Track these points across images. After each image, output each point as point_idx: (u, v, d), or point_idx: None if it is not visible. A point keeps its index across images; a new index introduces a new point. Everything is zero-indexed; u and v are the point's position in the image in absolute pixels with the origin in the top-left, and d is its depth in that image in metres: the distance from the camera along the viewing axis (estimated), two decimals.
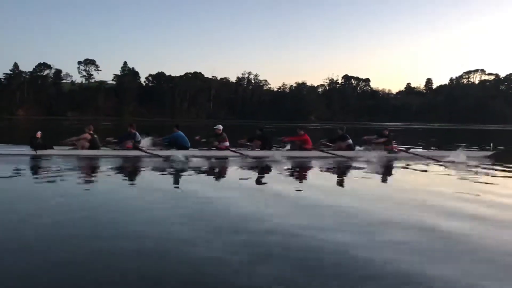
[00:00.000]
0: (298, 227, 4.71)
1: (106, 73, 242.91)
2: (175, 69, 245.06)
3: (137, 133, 12.09)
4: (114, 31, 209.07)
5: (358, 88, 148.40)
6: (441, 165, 11.21)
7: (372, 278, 3.34)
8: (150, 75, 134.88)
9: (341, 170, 10.59)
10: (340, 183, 8.79)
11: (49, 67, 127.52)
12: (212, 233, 4.45)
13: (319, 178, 9.46)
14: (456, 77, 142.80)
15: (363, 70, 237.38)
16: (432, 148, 18.09)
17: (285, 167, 10.36)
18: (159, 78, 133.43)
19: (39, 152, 11.07)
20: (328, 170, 10.68)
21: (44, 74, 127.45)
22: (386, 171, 10.54)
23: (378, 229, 4.72)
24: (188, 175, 9.01)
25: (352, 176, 9.61)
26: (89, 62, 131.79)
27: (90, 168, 9.72)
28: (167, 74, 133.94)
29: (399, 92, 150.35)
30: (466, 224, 4.99)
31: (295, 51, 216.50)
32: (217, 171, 10.09)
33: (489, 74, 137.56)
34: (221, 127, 12.60)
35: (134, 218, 5.12)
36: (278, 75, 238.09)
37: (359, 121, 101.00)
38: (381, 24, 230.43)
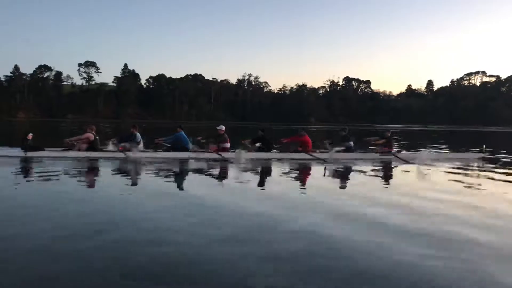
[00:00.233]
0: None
1: (107, 75, 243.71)
2: (176, 71, 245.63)
3: (138, 134, 12.03)
4: (115, 33, 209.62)
5: (359, 90, 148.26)
6: (432, 168, 11.07)
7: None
8: (150, 77, 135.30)
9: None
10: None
11: (49, 69, 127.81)
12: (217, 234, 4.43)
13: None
14: (457, 79, 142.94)
15: (364, 72, 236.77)
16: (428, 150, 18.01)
17: (285, 170, 10.23)
18: (160, 80, 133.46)
19: (29, 153, 10.94)
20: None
21: (44, 76, 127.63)
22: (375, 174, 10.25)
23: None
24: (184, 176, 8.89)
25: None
26: (90, 64, 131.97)
27: (78, 170, 9.49)
28: (168, 76, 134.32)
29: (400, 94, 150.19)
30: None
31: (296, 53, 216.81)
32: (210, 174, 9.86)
33: (490, 76, 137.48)
34: (223, 127, 12.54)
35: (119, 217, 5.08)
36: (278, 77, 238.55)
37: (360, 123, 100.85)
38: (382, 26, 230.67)
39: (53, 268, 3.38)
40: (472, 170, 10.84)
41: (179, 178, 9.13)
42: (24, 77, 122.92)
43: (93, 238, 4.16)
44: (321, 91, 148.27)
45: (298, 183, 8.85)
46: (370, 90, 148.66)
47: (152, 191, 7.00)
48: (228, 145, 12.30)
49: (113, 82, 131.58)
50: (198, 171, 10.16)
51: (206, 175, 9.50)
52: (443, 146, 22.12)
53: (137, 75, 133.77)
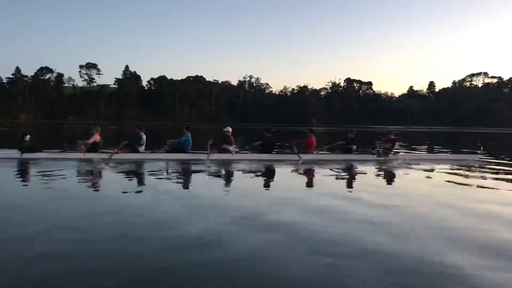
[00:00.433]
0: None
1: (108, 77, 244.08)
2: (177, 73, 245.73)
3: (143, 136, 11.96)
4: (116, 34, 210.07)
5: (361, 91, 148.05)
6: (432, 168, 11.20)
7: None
8: (151, 78, 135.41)
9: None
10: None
11: (50, 71, 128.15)
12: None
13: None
14: (459, 80, 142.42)
15: (366, 73, 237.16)
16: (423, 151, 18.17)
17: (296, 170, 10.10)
18: (161, 81, 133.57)
19: (26, 155, 11.01)
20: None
21: (45, 78, 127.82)
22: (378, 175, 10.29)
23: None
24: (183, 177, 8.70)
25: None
26: (91, 66, 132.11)
27: (75, 172, 9.38)
28: (169, 77, 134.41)
29: (402, 95, 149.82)
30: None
31: (297, 54, 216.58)
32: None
33: (492, 77, 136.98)
34: (230, 129, 12.58)
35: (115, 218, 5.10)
36: (280, 79, 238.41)
37: (361, 124, 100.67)
38: (384, 27, 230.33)
39: (52, 269, 3.39)
40: (468, 171, 10.75)
41: (187, 179, 9.01)
42: (25, 79, 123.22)
43: (92, 239, 4.18)
44: (322, 93, 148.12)
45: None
46: (371, 91, 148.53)
47: (153, 192, 7.05)
48: (231, 147, 12.27)
49: (114, 83, 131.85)
50: (215, 174, 9.90)
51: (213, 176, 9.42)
52: (444, 147, 22.11)
53: (138, 76, 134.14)
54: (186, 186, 8.11)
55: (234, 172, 10.05)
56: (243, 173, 9.76)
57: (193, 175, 9.62)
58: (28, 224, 4.71)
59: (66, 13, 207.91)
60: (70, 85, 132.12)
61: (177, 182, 8.43)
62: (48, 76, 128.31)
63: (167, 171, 9.79)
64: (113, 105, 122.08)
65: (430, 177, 9.92)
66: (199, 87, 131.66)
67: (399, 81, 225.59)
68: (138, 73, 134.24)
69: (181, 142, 12.16)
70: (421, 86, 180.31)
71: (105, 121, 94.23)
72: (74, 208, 5.54)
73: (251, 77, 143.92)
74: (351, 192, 7.78)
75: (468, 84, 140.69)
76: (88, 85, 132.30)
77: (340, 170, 10.64)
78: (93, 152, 11.31)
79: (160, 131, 37.37)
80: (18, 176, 8.94)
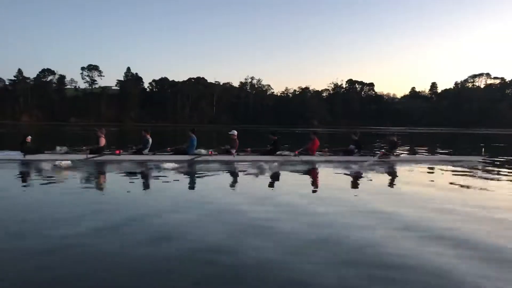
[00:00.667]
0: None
1: (110, 78, 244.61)
2: (178, 74, 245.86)
3: (150, 139, 12.08)
4: (118, 36, 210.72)
5: (362, 93, 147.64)
6: (434, 170, 11.21)
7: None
8: (153, 80, 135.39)
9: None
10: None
11: (52, 73, 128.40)
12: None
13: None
14: (461, 81, 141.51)
15: (368, 75, 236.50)
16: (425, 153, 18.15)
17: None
18: (162, 83, 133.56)
19: (28, 157, 11.10)
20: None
21: (47, 80, 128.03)
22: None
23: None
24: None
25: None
26: (93, 68, 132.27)
27: (78, 173, 9.35)
28: (170, 79, 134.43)
29: (404, 97, 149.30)
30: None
31: (299, 56, 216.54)
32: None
33: (495, 78, 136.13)
34: (235, 132, 12.71)
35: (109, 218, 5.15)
36: (281, 80, 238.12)
37: (363, 126, 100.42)
38: (386, 28, 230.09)
39: (55, 270, 3.44)
40: (470, 173, 10.66)
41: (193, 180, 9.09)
42: (27, 81, 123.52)
43: (94, 239, 4.22)
44: (324, 94, 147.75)
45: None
46: (373, 92, 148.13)
47: (155, 193, 7.21)
48: (234, 150, 12.39)
49: (116, 85, 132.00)
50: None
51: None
52: (446, 148, 21.95)
53: (140, 78, 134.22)
54: (192, 187, 8.16)
55: (236, 173, 10.11)
56: (245, 174, 9.77)
57: (197, 176, 9.55)
58: (37, 225, 4.77)
59: (68, 15, 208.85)
60: (72, 87, 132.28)
61: (180, 183, 8.42)
62: (50, 78, 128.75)
63: (171, 172, 9.73)
64: (115, 107, 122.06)
65: (432, 179, 9.83)
66: (201, 89, 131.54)
67: (401, 82, 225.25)
68: (139, 74, 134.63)
69: (188, 146, 12.24)
70: (423, 87, 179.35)
71: (107, 122, 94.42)
72: (77, 209, 5.55)
73: (252, 78, 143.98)
74: (353, 193, 7.70)
75: (470, 85, 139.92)
76: (90, 87, 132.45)
77: (341, 172, 10.54)
78: (96, 154, 11.35)
79: (161, 132, 37.34)
80: (23, 178, 8.95)
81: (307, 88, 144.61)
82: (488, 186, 8.49)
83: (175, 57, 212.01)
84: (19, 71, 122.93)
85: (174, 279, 3.36)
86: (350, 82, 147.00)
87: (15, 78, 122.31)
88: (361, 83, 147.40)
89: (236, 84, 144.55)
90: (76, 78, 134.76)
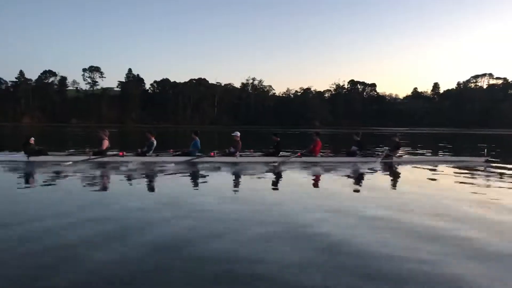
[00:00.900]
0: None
1: (111, 80, 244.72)
2: (180, 76, 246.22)
3: (154, 141, 12.08)
4: (119, 38, 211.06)
5: (364, 93, 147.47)
6: (437, 171, 11.11)
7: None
8: (155, 81, 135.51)
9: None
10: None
11: (54, 74, 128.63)
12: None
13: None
14: (463, 82, 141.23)
15: (370, 75, 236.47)
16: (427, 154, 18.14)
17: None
18: (164, 84, 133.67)
19: (32, 158, 11.05)
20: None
21: (49, 82, 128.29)
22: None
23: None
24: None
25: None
26: (94, 69, 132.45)
27: (82, 174, 9.26)
28: (172, 80, 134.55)
29: (406, 97, 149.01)
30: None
31: (301, 57, 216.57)
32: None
33: (497, 78, 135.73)
34: (238, 133, 12.72)
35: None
36: (283, 81, 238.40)
37: (365, 126, 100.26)
38: (388, 29, 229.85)
39: (58, 273, 3.41)
40: (473, 174, 10.49)
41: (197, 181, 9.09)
42: (29, 82, 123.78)
43: (100, 242, 4.21)
44: (326, 95, 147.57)
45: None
46: (375, 93, 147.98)
47: (157, 195, 7.22)
48: (237, 152, 12.34)
49: (117, 86, 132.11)
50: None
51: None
52: (448, 149, 21.80)
53: (141, 79, 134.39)
54: (195, 188, 8.12)
55: (239, 174, 10.09)
56: (248, 176, 9.74)
57: (200, 177, 9.50)
58: (41, 227, 4.75)
59: (69, 16, 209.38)
60: (74, 88, 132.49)
61: (183, 184, 8.39)
62: (51, 79, 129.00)
63: (175, 174, 9.67)
64: (116, 108, 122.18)
65: (434, 180, 9.73)
66: (202, 90, 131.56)
67: (404, 83, 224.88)
68: (141, 76, 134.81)
69: (191, 148, 12.21)
70: (426, 87, 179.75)
71: (108, 124, 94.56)
72: (81, 212, 5.54)
73: (254, 79, 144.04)
74: (355, 194, 7.58)
75: (472, 85, 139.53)
76: (92, 88, 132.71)
77: (343, 173, 10.37)
78: (99, 155, 11.34)
79: (163, 134, 37.33)
80: (27, 179, 8.87)
81: (308, 88, 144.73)
82: (492, 187, 8.34)
83: (176, 58, 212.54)
84: (21, 73, 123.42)
85: (176, 282, 3.32)
86: (352, 82, 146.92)
87: (17, 80, 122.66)
88: (363, 83, 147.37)
89: (237, 85, 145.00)
90: (77, 80, 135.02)
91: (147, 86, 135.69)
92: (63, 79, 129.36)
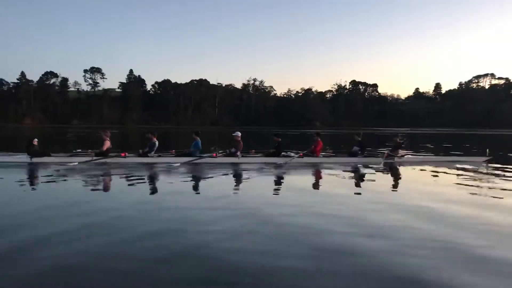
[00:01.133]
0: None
1: (112, 81, 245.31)
2: (181, 76, 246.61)
3: (156, 142, 12.04)
4: (120, 39, 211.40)
5: (366, 94, 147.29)
6: (438, 171, 11.07)
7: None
8: (156, 82, 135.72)
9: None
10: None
11: (55, 75, 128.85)
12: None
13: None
14: (465, 82, 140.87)
15: (371, 76, 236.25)
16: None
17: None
18: (165, 85, 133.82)
19: (35, 159, 11.05)
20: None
21: (50, 83, 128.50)
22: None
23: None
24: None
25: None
26: (95, 70, 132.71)
27: (85, 175, 9.25)
28: (173, 81, 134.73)
29: (408, 97, 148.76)
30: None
31: (302, 57, 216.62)
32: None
33: (499, 78, 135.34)
34: (239, 134, 12.67)
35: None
36: (284, 82, 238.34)
37: (366, 127, 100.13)
38: (389, 29, 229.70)
39: (60, 276, 3.39)
40: (474, 174, 10.43)
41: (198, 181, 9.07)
42: (30, 83, 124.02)
43: (102, 243, 4.20)
44: (328, 95, 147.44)
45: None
46: (377, 93, 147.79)
47: (159, 195, 7.21)
48: (238, 152, 12.30)
49: (118, 87, 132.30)
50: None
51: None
52: (450, 149, 21.78)
53: (143, 80, 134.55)
54: (196, 189, 8.12)
55: (241, 174, 10.09)
56: (250, 176, 9.73)
57: (202, 178, 9.45)
58: (45, 228, 4.74)
59: (70, 17, 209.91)
60: (75, 90, 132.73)
61: (185, 185, 8.39)
62: (53, 80, 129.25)
63: (176, 174, 9.64)
64: (117, 109, 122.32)
65: (436, 180, 9.68)
66: (203, 91, 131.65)
67: (405, 83, 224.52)
68: (142, 77, 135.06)
69: (192, 148, 12.18)
70: (427, 87, 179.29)
71: (109, 125, 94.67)
72: (84, 213, 5.53)
73: (255, 80, 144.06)
74: (356, 195, 7.51)
75: (474, 85, 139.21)
76: (93, 89, 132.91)
77: (345, 173, 10.32)
78: (102, 156, 11.32)
79: (164, 134, 37.32)
80: (31, 180, 8.85)
81: (309, 89, 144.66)
82: (494, 187, 8.26)
83: (178, 59, 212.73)
84: (22, 74, 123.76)
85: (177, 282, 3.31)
86: (354, 83, 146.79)
87: (18, 81, 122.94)
88: (364, 84, 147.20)
89: (238, 85, 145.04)
90: (79, 81, 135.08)
91: (148, 87, 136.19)
92: (65, 80, 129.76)
